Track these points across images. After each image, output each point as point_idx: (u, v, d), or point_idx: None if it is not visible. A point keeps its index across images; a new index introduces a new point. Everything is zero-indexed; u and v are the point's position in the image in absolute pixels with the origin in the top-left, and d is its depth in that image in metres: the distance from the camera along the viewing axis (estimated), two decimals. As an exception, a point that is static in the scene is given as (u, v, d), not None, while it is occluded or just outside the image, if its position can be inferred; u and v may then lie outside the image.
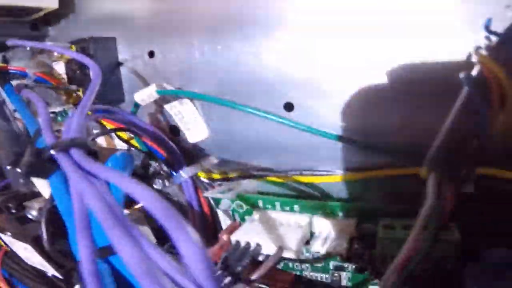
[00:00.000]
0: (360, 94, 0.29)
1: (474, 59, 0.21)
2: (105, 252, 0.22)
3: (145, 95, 0.32)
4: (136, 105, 0.34)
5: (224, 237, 0.31)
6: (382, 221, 0.27)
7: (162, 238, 0.33)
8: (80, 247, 0.17)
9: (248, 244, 0.29)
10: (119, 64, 0.38)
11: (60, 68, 0.38)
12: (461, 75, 0.19)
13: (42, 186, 0.31)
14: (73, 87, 0.37)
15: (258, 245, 0.28)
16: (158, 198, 0.15)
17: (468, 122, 0.18)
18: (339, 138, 0.30)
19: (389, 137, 0.29)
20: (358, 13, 0.27)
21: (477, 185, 0.20)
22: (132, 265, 0.12)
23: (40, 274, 0.43)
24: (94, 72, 0.29)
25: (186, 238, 0.13)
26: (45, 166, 0.22)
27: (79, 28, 0.40)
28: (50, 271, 0.35)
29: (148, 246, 0.15)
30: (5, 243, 0.37)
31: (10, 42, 0.33)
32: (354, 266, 0.33)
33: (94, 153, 0.22)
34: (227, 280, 0.28)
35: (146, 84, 0.37)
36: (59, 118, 0.41)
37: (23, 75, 0.38)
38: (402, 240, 0.25)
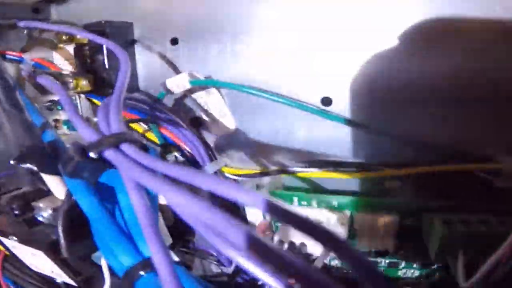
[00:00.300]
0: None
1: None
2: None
3: (175, 83, 0.30)
4: (167, 92, 0.31)
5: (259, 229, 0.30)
6: (432, 216, 0.26)
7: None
8: (151, 245, 0.15)
9: (292, 244, 0.27)
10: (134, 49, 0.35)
11: (69, 52, 0.35)
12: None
13: (55, 184, 0.28)
14: (83, 73, 0.34)
15: (302, 244, 0.27)
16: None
17: None
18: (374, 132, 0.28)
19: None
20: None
21: None
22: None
23: (47, 281, 0.40)
24: (122, 57, 0.26)
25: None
26: (92, 166, 0.19)
27: (85, 12, 0.37)
28: (62, 278, 0.31)
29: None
30: (6, 247, 0.33)
31: (22, 23, 0.30)
32: (388, 262, 0.32)
33: (146, 149, 0.19)
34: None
35: (165, 72, 0.34)
36: (58, 107, 0.38)
37: (19, 61, 0.35)
38: (464, 234, 0.24)
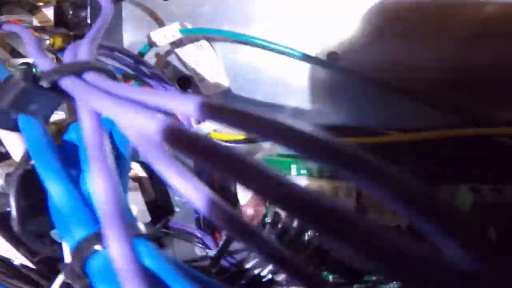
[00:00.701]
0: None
1: None
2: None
3: (163, 35, 0.27)
4: (150, 45, 0.28)
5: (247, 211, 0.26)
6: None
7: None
8: (106, 213, 0.12)
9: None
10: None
11: (48, 13, 0.32)
12: None
13: (13, 143, 0.24)
14: (62, 30, 0.31)
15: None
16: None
17: None
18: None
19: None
20: None
21: None
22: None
23: (4, 263, 0.36)
24: (105, 3, 0.23)
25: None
26: (42, 95, 0.16)
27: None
28: (19, 259, 0.28)
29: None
30: None
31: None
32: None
33: (115, 77, 0.16)
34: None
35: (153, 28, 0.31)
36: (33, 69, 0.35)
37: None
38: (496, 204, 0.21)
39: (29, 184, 0.20)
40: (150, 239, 0.15)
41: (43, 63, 0.16)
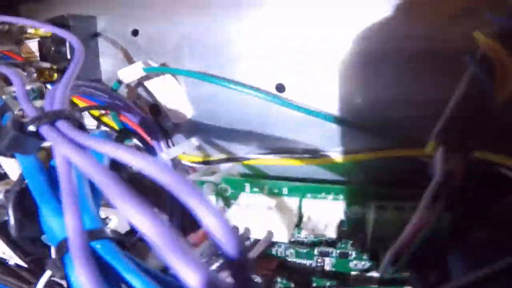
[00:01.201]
0: (353, 71, 0.28)
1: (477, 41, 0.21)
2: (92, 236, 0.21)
3: (130, 72, 0.31)
4: (119, 82, 0.32)
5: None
6: (373, 203, 0.27)
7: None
8: (67, 220, 0.16)
9: (235, 228, 0.28)
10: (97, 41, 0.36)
11: (32, 46, 0.36)
12: (467, 57, 0.20)
13: (10, 166, 0.29)
14: (46, 64, 0.35)
15: (247, 229, 0.28)
16: (169, 169, 0.14)
17: (473, 99, 0.19)
18: (330, 118, 0.29)
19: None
20: None
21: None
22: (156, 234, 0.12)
23: (0, 263, 0.40)
24: (77, 47, 0.27)
25: (207, 206, 0.12)
26: (28, 140, 0.20)
27: (52, 7, 0.38)
28: (14, 260, 0.32)
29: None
30: None
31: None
32: (338, 252, 0.33)
33: (82, 126, 0.20)
34: (216, 265, 0.27)
35: (127, 63, 0.35)
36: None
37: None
38: (395, 221, 0.25)
39: (23, 199, 0.25)
40: (114, 241, 0.20)
41: (29, 111, 0.20)
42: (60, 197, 0.22)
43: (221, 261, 0.26)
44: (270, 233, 0.27)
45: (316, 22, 0.28)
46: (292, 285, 0.36)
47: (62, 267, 0.19)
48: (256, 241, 0.28)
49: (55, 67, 0.35)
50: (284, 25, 0.29)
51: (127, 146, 0.16)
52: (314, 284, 0.36)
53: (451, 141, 0.18)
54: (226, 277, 0.21)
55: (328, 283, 0.35)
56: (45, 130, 0.19)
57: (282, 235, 0.27)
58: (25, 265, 0.31)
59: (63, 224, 0.20)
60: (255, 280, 0.32)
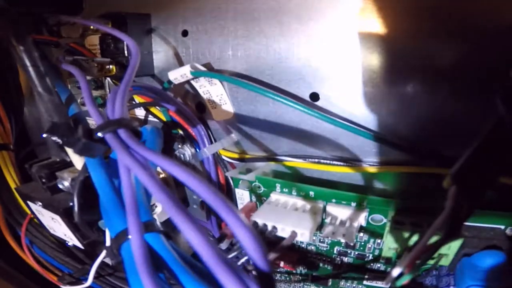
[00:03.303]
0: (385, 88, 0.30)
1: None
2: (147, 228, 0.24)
3: (179, 74, 0.34)
4: (169, 82, 0.36)
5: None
6: (392, 215, 0.29)
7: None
8: (129, 219, 0.20)
9: (265, 226, 0.31)
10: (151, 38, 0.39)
11: (95, 40, 0.39)
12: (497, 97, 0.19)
13: (75, 156, 0.33)
14: (107, 60, 0.38)
15: (274, 227, 0.31)
16: (207, 184, 0.17)
17: (498, 143, 0.19)
18: (359, 131, 0.31)
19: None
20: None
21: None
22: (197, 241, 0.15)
23: (61, 244, 0.45)
24: (133, 51, 0.30)
25: (239, 222, 0.15)
26: (96, 146, 0.24)
27: (113, 4, 0.41)
28: (73, 241, 0.36)
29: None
30: (32, 211, 0.37)
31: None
32: (356, 253, 0.36)
33: (138, 133, 0.24)
34: (243, 260, 0.31)
35: (176, 61, 0.38)
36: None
37: (55, 45, 0.39)
38: (408, 236, 0.28)
39: (86, 187, 0.29)
40: (163, 234, 0.23)
41: (96, 118, 0.24)
42: (118, 189, 0.27)
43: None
44: (294, 233, 0.30)
45: (353, 37, 0.30)
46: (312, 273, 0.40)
47: (119, 254, 0.23)
48: (281, 239, 0.31)
49: (114, 62, 0.38)
50: (323, 38, 0.31)
51: (173, 160, 0.19)
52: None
53: (465, 183, 0.19)
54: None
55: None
56: (109, 138, 0.22)
57: (305, 235, 0.30)
58: (82, 247, 0.35)
59: (121, 217, 0.24)
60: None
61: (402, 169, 0.31)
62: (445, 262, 0.29)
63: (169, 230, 0.25)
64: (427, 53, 0.28)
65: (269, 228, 0.31)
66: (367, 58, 0.30)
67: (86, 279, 0.39)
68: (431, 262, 0.29)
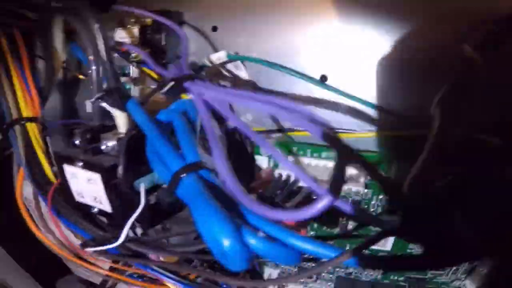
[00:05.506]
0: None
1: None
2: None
3: (216, 57, 0.41)
4: (205, 65, 0.43)
5: (264, 173, 0.41)
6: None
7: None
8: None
9: (288, 176, 0.38)
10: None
11: (135, 32, 0.45)
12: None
13: (121, 120, 0.35)
14: (147, 49, 0.43)
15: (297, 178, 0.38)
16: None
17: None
18: (367, 103, 0.39)
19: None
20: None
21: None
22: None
23: (84, 212, 0.41)
24: (183, 37, 0.38)
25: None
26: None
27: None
28: (102, 205, 0.35)
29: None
30: (63, 175, 0.36)
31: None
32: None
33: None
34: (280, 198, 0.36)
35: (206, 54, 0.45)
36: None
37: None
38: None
39: (131, 146, 0.32)
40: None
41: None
42: (169, 139, 0.32)
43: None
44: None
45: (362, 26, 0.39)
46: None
47: (174, 193, 0.28)
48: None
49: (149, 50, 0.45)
50: (338, 31, 0.40)
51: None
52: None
53: (449, 107, 0.27)
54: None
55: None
56: (187, 84, 0.29)
57: (323, 183, 0.37)
58: (110, 210, 0.35)
59: (177, 158, 0.29)
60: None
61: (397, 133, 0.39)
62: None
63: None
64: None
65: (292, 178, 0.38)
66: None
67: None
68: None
